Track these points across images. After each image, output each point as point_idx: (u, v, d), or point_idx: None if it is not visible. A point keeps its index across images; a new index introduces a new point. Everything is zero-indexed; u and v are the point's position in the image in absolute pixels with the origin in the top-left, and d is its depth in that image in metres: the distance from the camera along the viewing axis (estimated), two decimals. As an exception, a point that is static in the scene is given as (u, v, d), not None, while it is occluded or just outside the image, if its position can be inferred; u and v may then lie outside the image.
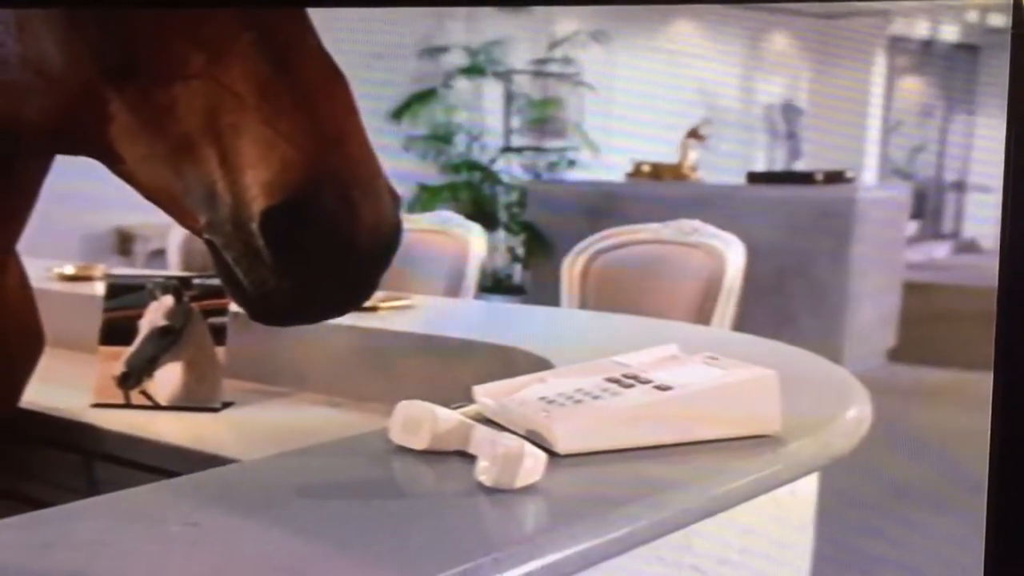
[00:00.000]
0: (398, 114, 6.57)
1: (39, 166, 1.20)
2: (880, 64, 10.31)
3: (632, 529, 0.90)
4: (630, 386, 1.10)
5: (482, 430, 1.03)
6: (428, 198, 6.47)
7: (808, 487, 1.27)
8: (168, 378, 1.69)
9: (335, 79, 0.95)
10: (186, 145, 0.92)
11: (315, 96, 0.91)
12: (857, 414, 1.25)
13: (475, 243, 2.70)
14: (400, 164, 6.30)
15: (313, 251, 0.92)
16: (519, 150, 7.30)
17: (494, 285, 6.57)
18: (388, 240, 0.96)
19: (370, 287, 1.00)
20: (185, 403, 1.68)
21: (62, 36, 0.96)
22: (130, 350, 1.69)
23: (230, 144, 0.90)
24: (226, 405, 1.71)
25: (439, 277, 2.65)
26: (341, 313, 1.02)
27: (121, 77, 0.94)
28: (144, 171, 0.98)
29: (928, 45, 10.56)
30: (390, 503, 0.93)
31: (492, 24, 6.91)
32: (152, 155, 0.95)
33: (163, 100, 0.92)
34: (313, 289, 0.95)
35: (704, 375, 1.11)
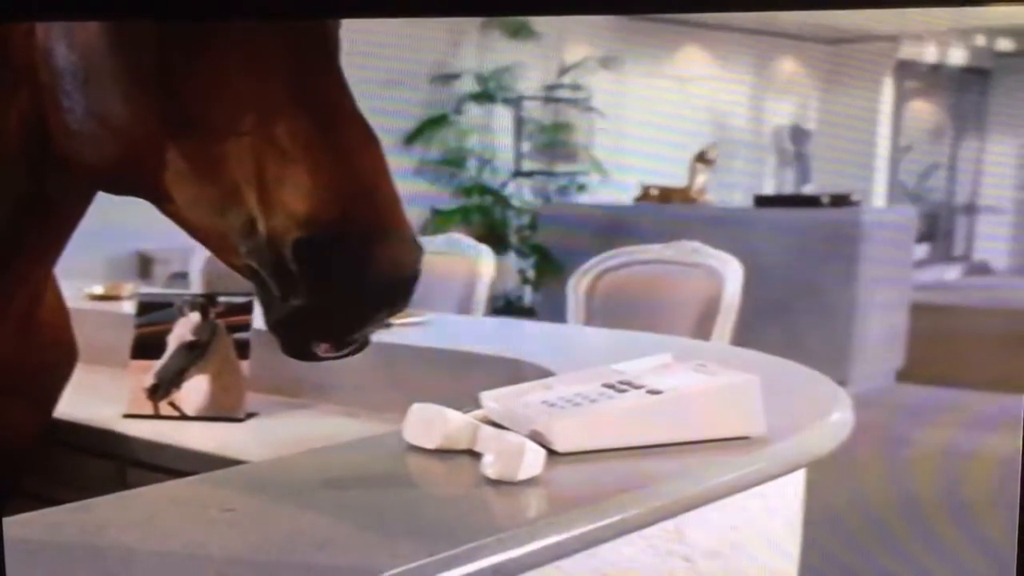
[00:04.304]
0: (411, 139, 6.70)
1: (84, 199, 1.29)
2: (888, 88, 10.41)
3: (623, 516, 1.00)
4: (624, 391, 1.19)
5: (487, 430, 1.13)
6: (440, 221, 6.58)
7: (795, 488, 1.36)
8: (195, 390, 1.79)
9: (370, 141, 1.04)
10: (233, 191, 1.02)
11: (351, 155, 1.01)
12: (839, 418, 1.34)
13: (484, 265, 2.79)
14: (413, 188, 6.42)
15: (336, 281, 1.00)
16: (530, 174, 7.41)
17: (505, 307, 6.66)
18: (400, 287, 1.03)
19: (371, 325, 1.05)
20: (211, 413, 1.78)
21: (128, 93, 1.05)
22: (159, 363, 1.80)
23: (273, 191, 0.99)
24: (250, 415, 1.81)
25: (450, 298, 2.75)
26: (344, 341, 1.05)
27: (180, 131, 1.03)
28: (192, 212, 1.07)
29: (937, 69, 10.64)
30: (405, 492, 1.03)
31: (502, 51, 7.05)
32: (201, 199, 1.04)
33: (216, 152, 1.02)
34: (332, 314, 1.02)
35: (692, 380, 1.20)
